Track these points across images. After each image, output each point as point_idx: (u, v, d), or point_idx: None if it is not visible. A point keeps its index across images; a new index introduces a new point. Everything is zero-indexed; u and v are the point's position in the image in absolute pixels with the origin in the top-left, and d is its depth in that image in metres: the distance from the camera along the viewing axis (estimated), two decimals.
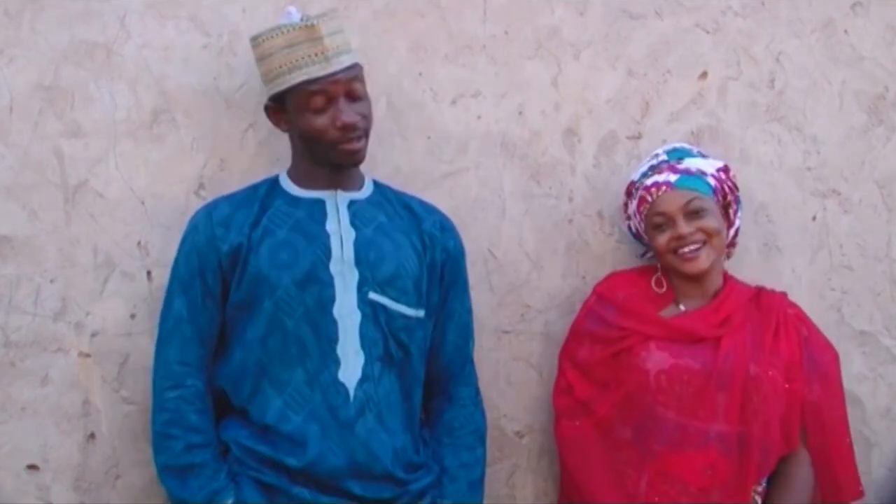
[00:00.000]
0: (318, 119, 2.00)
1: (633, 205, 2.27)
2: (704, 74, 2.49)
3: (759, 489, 2.17)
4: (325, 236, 2.03)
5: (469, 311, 2.20)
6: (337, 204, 2.07)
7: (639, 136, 2.46)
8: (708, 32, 2.49)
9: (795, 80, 2.53)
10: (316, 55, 1.98)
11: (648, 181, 2.21)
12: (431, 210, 2.18)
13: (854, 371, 2.48)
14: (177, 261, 2.06)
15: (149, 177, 2.20)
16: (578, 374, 2.22)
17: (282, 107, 2.05)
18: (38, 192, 2.15)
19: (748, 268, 2.40)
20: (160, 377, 2.01)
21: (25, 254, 2.14)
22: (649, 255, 2.33)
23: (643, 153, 2.44)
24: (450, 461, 2.10)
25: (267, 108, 2.08)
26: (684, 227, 2.14)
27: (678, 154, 2.26)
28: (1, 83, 2.14)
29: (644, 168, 2.27)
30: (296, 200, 2.07)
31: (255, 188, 2.11)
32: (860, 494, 2.26)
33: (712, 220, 2.16)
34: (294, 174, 2.11)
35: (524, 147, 2.41)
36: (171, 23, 2.22)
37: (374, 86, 2.13)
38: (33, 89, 2.15)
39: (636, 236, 2.33)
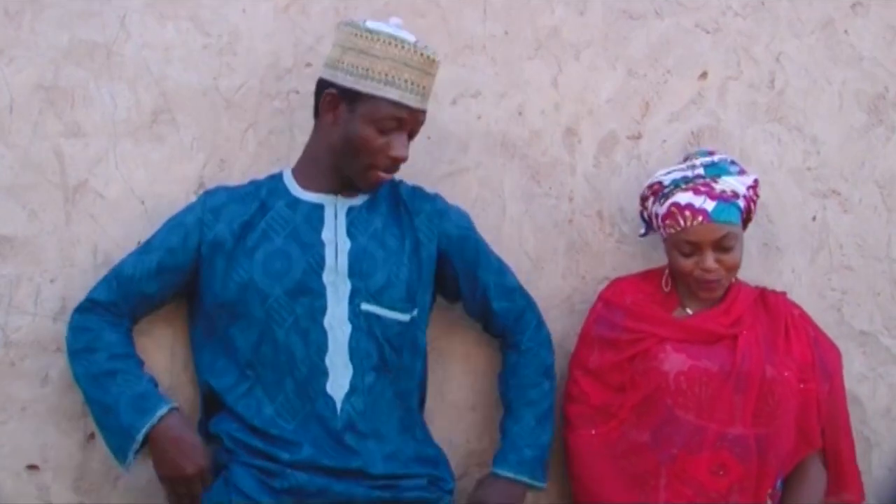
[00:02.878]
0: (378, 138, 1.98)
1: (656, 208, 2.20)
2: (704, 74, 2.49)
3: (775, 492, 2.17)
4: (320, 245, 2.02)
5: (501, 271, 2.18)
6: (336, 210, 2.07)
7: (639, 136, 2.46)
8: (708, 32, 2.49)
9: (795, 80, 2.53)
10: (417, 86, 1.98)
11: (682, 199, 2.13)
12: (423, 200, 2.15)
13: (854, 371, 2.48)
14: (160, 228, 2.07)
15: (149, 177, 2.20)
16: (592, 381, 2.20)
17: (345, 102, 1.99)
18: (38, 192, 2.15)
19: (748, 268, 2.40)
20: (83, 310, 2.03)
21: (25, 254, 2.13)
22: (651, 233, 2.29)
23: (643, 153, 2.44)
24: (514, 395, 2.15)
25: (325, 92, 2.01)
26: (710, 262, 2.13)
27: (715, 170, 2.17)
28: (1, 83, 2.14)
29: (677, 175, 2.18)
30: (296, 202, 2.06)
31: (258, 186, 2.10)
32: (863, 496, 2.27)
33: (737, 254, 2.16)
34: (300, 172, 2.10)
35: (524, 147, 2.40)
36: (171, 23, 2.22)
37: None
38: (33, 89, 2.15)
39: (645, 221, 2.29)
